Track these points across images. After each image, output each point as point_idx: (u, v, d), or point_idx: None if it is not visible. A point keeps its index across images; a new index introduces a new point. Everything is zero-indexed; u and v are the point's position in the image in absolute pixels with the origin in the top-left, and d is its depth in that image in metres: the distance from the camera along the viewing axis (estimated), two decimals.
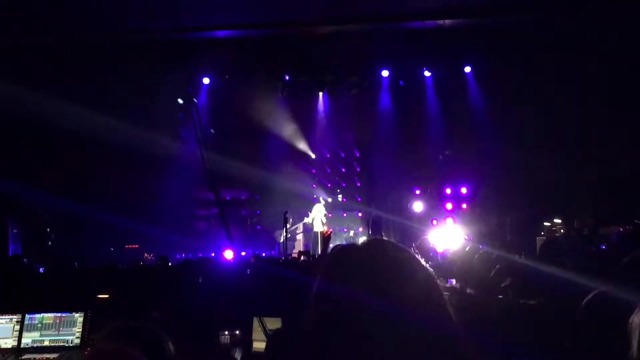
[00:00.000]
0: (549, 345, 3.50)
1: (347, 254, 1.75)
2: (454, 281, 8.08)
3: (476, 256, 8.00)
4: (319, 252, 16.31)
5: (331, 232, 16.83)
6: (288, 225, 16.03)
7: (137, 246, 15.24)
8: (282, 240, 16.79)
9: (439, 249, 15.38)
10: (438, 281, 1.72)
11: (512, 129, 15.85)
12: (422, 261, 1.75)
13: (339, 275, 1.64)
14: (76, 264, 10.19)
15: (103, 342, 2.48)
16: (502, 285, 5.50)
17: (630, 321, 1.90)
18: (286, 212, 16.02)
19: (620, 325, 1.96)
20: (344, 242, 16.99)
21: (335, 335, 1.55)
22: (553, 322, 3.81)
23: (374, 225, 17.52)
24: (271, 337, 4.05)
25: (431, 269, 1.73)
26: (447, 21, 15.25)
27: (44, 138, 15.21)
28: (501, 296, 5.54)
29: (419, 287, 1.63)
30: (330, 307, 1.60)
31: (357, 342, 1.51)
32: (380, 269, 1.64)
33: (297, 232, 18.15)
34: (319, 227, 17.15)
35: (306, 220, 17.69)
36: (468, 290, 6.35)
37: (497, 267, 6.15)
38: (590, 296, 2.82)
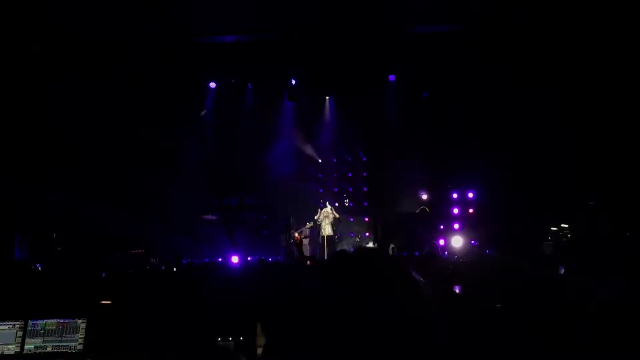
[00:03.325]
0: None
1: (340, 259, 1.86)
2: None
3: (481, 262, 7.94)
4: (325, 257, 16.30)
5: (301, 238, 16.99)
6: (292, 231, 16.02)
7: (142, 251, 15.25)
8: (286, 245, 16.76)
9: (446, 254, 15.37)
10: (428, 290, 1.82)
11: (517, 133, 15.77)
12: (411, 273, 1.86)
13: (333, 275, 1.75)
14: (79, 269, 10.18)
15: None
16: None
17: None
18: (290, 218, 16.01)
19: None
20: (351, 247, 16.98)
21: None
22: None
23: (382, 230, 17.50)
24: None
25: (417, 280, 1.84)
26: (455, 25, 15.27)
27: (49, 141, 15.23)
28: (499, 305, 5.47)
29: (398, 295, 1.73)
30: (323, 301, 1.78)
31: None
32: (366, 274, 1.80)
33: (304, 237, 18.08)
34: (327, 232, 17.09)
35: (308, 225, 17.61)
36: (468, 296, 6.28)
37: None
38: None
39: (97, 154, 15.95)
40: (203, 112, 19.08)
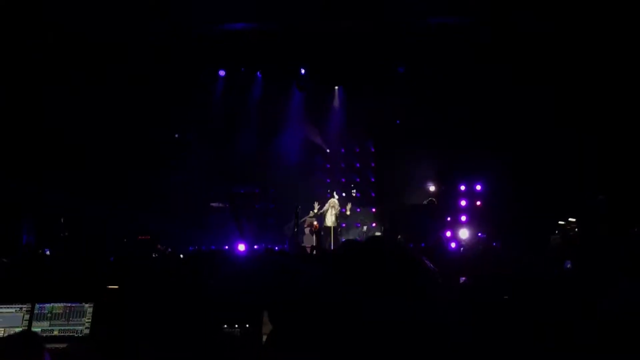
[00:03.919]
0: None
1: (351, 248, 1.81)
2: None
3: (488, 254, 7.93)
4: (331, 247, 16.30)
5: (319, 227, 16.95)
6: (300, 220, 16.02)
7: (148, 237, 15.31)
8: (291, 235, 16.76)
9: (453, 245, 15.35)
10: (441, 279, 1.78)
11: (526, 124, 15.68)
12: (426, 262, 1.80)
13: (342, 266, 1.70)
14: (87, 253, 10.23)
15: None
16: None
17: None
18: (297, 207, 15.99)
19: None
20: (357, 237, 16.95)
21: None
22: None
23: (389, 221, 17.48)
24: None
25: (433, 270, 1.78)
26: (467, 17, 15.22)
27: (55, 129, 15.28)
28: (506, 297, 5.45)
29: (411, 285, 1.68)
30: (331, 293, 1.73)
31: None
32: (377, 264, 1.74)
33: (306, 226, 18.05)
34: (331, 223, 17.09)
35: (312, 213, 17.58)
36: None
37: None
38: None
39: (103, 146, 16.00)
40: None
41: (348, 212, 17.34)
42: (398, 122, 19.22)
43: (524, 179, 15.76)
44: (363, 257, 1.75)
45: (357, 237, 17.04)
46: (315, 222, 16.96)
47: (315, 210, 17.50)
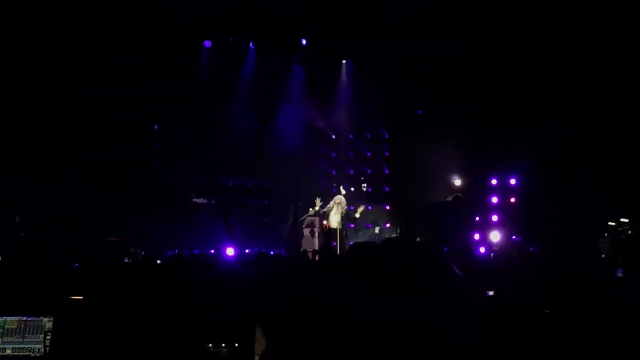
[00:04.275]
0: None
1: (364, 251, 1.79)
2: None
3: (524, 261, 7.90)
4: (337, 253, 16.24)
5: (329, 227, 16.85)
6: (298, 220, 15.97)
7: (120, 239, 15.32)
8: (289, 237, 16.71)
9: (482, 251, 15.32)
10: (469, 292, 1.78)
11: (573, 105, 15.61)
12: (453, 268, 1.79)
13: (352, 272, 1.69)
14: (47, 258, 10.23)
15: None
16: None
17: None
18: (296, 205, 15.91)
19: None
20: (368, 239, 16.92)
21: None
22: None
23: (405, 221, 17.44)
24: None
25: (461, 278, 1.77)
26: None
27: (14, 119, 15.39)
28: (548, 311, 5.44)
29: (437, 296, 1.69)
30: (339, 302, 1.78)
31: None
32: (396, 270, 1.76)
33: (305, 226, 17.98)
34: (336, 223, 16.97)
35: (312, 211, 17.47)
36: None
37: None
38: None
39: (70, 130, 15.98)
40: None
41: (358, 215, 17.18)
42: (420, 112, 19.16)
43: (567, 172, 15.73)
44: (380, 262, 1.73)
45: (368, 239, 16.99)
46: (325, 222, 16.85)
47: (317, 208, 17.33)
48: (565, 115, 15.75)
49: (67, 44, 15.96)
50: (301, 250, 15.83)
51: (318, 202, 17.09)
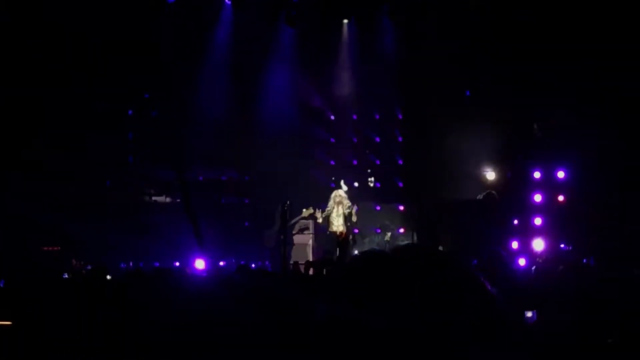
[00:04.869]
0: None
1: (373, 263, 1.78)
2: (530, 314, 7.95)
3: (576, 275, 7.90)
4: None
5: (349, 236, 16.79)
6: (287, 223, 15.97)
7: (57, 248, 15.31)
8: (275, 245, 16.70)
9: (522, 263, 15.33)
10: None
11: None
12: (486, 286, 1.79)
13: (357, 290, 1.69)
14: None
15: None
16: None
17: None
18: (286, 204, 15.89)
19: None
20: (376, 248, 16.91)
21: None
22: None
23: (424, 225, 17.42)
24: None
25: (494, 296, 1.78)
26: None
27: None
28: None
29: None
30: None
31: None
32: (414, 288, 1.73)
33: (296, 231, 17.97)
34: (337, 226, 16.94)
35: (305, 212, 17.42)
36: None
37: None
38: None
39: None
40: None
41: (354, 218, 17.09)
42: (468, 93, 19.06)
43: (632, 164, 15.73)
44: (387, 279, 1.73)
45: (376, 248, 16.96)
46: (341, 229, 16.77)
47: (320, 220, 17.23)
48: (632, 89, 15.74)
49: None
50: (291, 262, 15.82)
51: (306, 212, 16.98)
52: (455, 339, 1.64)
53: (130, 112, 19.19)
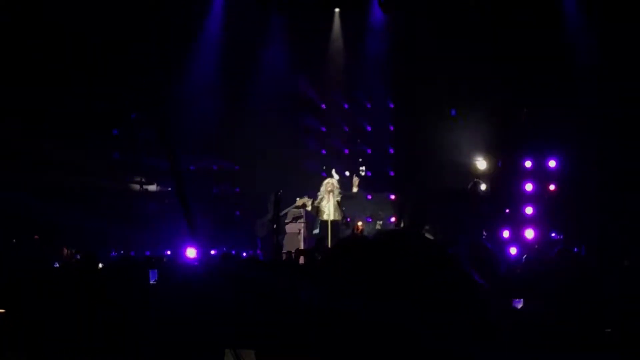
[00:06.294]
0: None
1: (352, 249, 1.78)
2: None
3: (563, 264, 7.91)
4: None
5: (363, 228, 16.81)
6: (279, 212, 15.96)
7: (36, 237, 15.32)
8: (266, 234, 16.71)
9: (514, 252, 15.37)
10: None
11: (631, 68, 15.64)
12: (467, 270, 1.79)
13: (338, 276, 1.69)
14: None
15: None
16: None
17: None
18: (277, 194, 15.88)
19: None
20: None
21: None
22: None
23: (414, 213, 17.42)
24: None
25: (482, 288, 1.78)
26: None
27: None
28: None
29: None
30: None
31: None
32: (394, 273, 1.71)
33: (289, 220, 17.96)
34: (328, 214, 16.93)
35: (299, 201, 17.42)
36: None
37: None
38: None
39: None
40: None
41: (356, 188, 17.17)
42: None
43: (623, 152, 15.75)
44: (369, 259, 1.72)
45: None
46: (360, 223, 16.83)
47: (309, 208, 17.26)
48: (623, 77, 15.77)
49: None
50: (284, 251, 15.82)
51: (299, 201, 17.01)
52: (432, 324, 1.63)
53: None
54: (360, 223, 16.83)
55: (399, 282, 1.66)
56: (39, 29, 17.01)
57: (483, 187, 18.17)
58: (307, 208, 16.90)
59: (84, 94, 17.53)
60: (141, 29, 17.98)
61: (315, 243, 16.01)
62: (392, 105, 20.49)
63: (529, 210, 17.44)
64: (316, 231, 17.07)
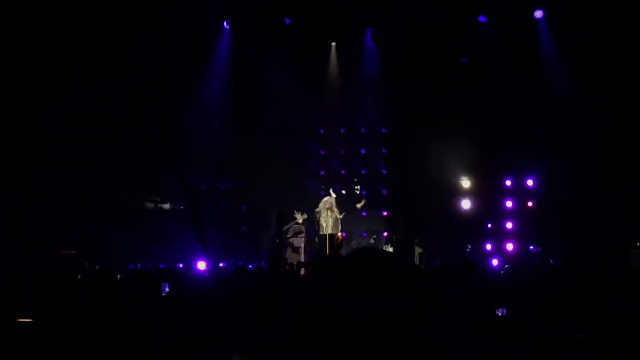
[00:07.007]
0: None
1: (330, 265, 1.84)
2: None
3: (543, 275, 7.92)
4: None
5: (342, 239, 16.81)
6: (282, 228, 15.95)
7: (74, 252, 15.22)
8: (270, 247, 16.69)
9: (495, 263, 15.36)
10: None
11: (601, 97, 15.67)
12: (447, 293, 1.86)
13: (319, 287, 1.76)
14: None
15: None
16: None
17: None
18: (279, 211, 15.88)
19: None
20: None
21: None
22: None
23: (404, 228, 17.40)
24: None
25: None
26: None
27: None
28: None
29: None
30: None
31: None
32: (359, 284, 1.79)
33: (291, 235, 17.96)
34: (325, 229, 16.94)
35: (298, 216, 17.47)
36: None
37: None
38: None
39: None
40: None
41: (359, 205, 17.33)
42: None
43: (594, 173, 15.76)
44: (342, 273, 1.75)
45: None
46: (330, 231, 16.83)
47: (300, 221, 17.38)
48: (594, 105, 15.80)
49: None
50: (286, 264, 15.81)
51: (299, 216, 17.12)
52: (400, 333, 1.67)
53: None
54: (339, 234, 16.83)
55: (366, 293, 1.72)
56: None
57: (467, 204, 18.21)
58: (299, 221, 17.03)
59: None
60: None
61: (314, 256, 16.03)
62: (384, 130, 20.51)
63: (509, 225, 17.51)
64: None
